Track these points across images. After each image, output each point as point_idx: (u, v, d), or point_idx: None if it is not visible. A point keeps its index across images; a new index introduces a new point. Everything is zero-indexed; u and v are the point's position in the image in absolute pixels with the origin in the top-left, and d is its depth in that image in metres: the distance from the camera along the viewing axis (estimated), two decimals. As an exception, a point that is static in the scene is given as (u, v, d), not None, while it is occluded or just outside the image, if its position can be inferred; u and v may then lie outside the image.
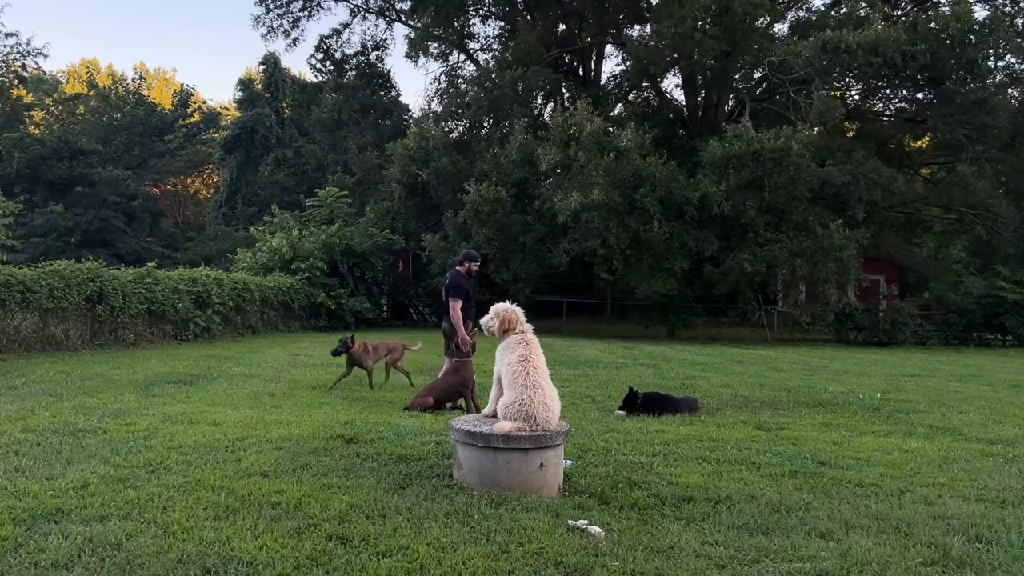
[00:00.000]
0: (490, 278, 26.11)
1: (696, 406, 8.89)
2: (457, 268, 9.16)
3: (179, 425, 6.90)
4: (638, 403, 8.54)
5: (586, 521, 4.35)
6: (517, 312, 5.58)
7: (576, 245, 23.15)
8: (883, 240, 28.49)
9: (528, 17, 34.03)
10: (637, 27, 32.57)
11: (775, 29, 29.28)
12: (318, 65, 39.65)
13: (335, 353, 10.52)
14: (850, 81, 28.64)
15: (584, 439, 6.74)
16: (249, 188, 42.37)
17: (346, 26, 37.92)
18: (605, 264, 23.97)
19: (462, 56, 36.68)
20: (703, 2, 24.08)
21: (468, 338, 8.63)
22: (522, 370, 5.21)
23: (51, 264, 14.82)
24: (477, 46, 37.02)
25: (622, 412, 8.52)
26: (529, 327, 5.54)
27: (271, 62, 45.48)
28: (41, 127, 42.76)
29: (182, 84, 49.02)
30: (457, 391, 8.53)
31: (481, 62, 36.05)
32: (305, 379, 10.93)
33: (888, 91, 30.12)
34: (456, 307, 8.71)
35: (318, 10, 36.96)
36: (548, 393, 5.18)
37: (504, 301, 5.79)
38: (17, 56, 39.14)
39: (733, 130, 22.82)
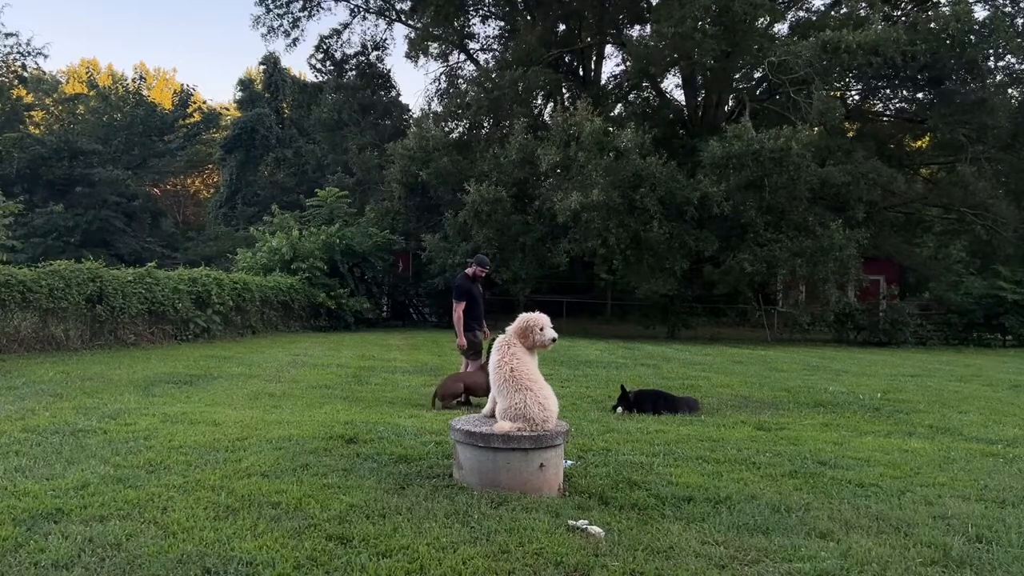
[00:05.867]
0: (490, 278, 26.08)
1: (696, 406, 8.89)
2: (465, 272, 9.46)
3: (179, 425, 6.90)
4: (629, 400, 8.60)
5: (586, 521, 4.34)
6: (522, 319, 5.44)
7: (576, 245, 23.14)
8: (883, 240, 28.47)
9: (528, 17, 34.00)
10: (637, 27, 32.56)
11: (775, 29, 29.26)
12: (318, 65, 39.65)
13: None
14: (850, 81, 28.64)
15: (584, 439, 6.74)
16: (249, 188, 42.38)
17: (346, 26, 37.93)
18: (605, 264, 23.96)
19: (462, 56, 36.68)
20: (703, 2, 24.07)
21: (463, 341, 8.98)
22: (499, 377, 5.18)
23: (51, 264, 14.82)
24: (477, 46, 37.03)
25: (621, 410, 8.57)
26: (506, 328, 5.45)
27: (271, 62, 45.51)
28: (41, 127, 42.76)
29: (182, 84, 49.07)
30: (485, 388, 8.73)
31: (481, 62, 36.07)
32: (305, 379, 10.93)
33: (888, 91, 30.11)
34: (458, 308, 8.94)
35: (318, 10, 36.96)
36: (540, 393, 5.12)
37: (514, 304, 5.77)
38: (17, 56, 39.08)
39: (733, 130, 22.80)
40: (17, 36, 39.86)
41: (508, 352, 5.27)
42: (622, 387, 8.87)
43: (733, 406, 9.40)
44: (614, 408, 8.68)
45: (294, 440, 6.27)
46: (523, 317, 5.44)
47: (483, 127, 30.79)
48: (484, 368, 8.81)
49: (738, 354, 18.23)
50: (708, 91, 30.66)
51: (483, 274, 9.44)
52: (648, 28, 29.77)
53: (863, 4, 26.00)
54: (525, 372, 5.18)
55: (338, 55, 38.60)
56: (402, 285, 29.17)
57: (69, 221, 34.04)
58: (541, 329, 5.34)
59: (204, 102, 49.31)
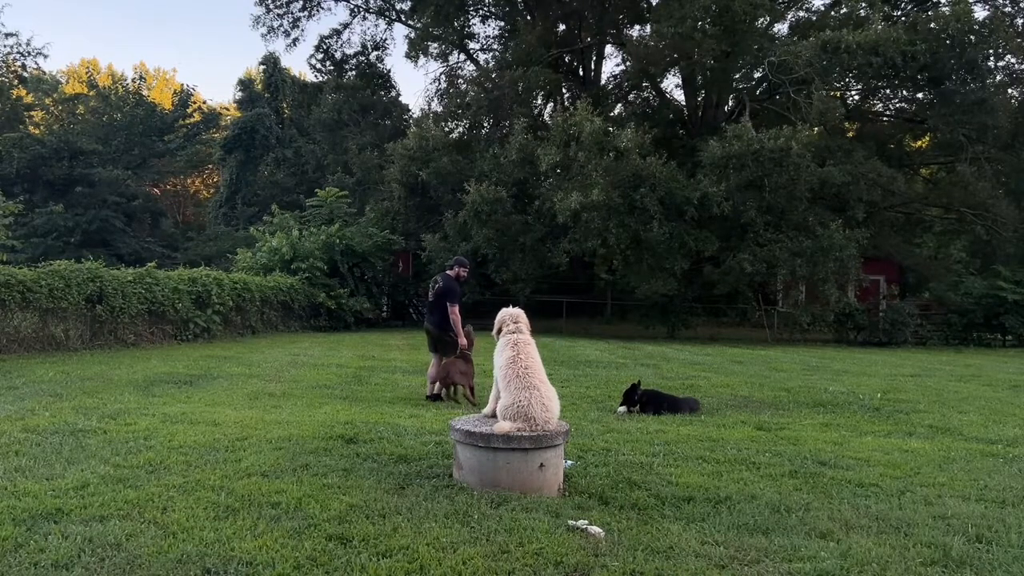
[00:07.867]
0: (490, 278, 26.08)
1: (696, 406, 8.89)
2: (448, 273, 9.59)
3: (179, 425, 6.90)
4: (636, 397, 8.57)
5: (586, 521, 4.34)
6: (511, 313, 5.61)
7: (576, 245, 23.14)
8: (883, 240, 28.48)
9: (528, 17, 34.01)
10: (637, 27, 32.58)
11: (775, 29, 29.31)
12: (318, 65, 39.72)
13: None
14: (850, 81, 28.64)
15: (584, 439, 6.74)
16: (249, 188, 42.37)
17: (346, 26, 38.02)
18: (605, 264, 23.97)
19: (462, 56, 36.70)
20: (703, 2, 24.08)
21: (465, 341, 9.20)
22: (512, 372, 5.20)
23: (51, 264, 14.80)
24: (477, 46, 37.07)
25: (623, 408, 8.55)
26: (520, 326, 5.51)
27: (271, 62, 45.48)
28: (41, 127, 42.78)
29: (182, 84, 49.13)
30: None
31: (481, 62, 36.08)
32: (305, 379, 10.93)
33: (888, 91, 30.11)
34: (455, 311, 9.21)
35: (318, 10, 37.05)
36: (545, 393, 5.16)
37: (510, 304, 5.88)
38: (17, 56, 39.14)
39: (733, 130, 22.81)
40: (17, 36, 40.01)
41: (524, 350, 5.32)
42: (636, 383, 8.79)
43: (733, 406, 9.40)
44: (623, 403, 8.64)
45: (294, 440, 6.27)
46: (507, 310, 5.65)
47: (483, 127, 30.81)
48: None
49: (738, 354, 18.23)
50: (708, 91, 30.66)
51: (465, 274, 9.62)
52: (648, 28, 29.78)
53: (863, 4, 26.00)
54: (536, 371, 5.25)
55: (338, 55, 38.68)
56: (402, 285, 29.17)
57: (69, 221, 34.06)
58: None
59: (204, 102, 49.37)
